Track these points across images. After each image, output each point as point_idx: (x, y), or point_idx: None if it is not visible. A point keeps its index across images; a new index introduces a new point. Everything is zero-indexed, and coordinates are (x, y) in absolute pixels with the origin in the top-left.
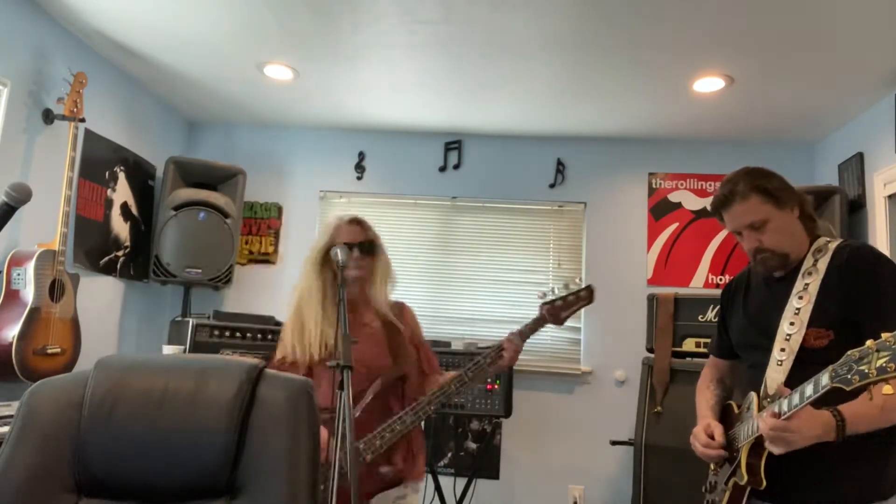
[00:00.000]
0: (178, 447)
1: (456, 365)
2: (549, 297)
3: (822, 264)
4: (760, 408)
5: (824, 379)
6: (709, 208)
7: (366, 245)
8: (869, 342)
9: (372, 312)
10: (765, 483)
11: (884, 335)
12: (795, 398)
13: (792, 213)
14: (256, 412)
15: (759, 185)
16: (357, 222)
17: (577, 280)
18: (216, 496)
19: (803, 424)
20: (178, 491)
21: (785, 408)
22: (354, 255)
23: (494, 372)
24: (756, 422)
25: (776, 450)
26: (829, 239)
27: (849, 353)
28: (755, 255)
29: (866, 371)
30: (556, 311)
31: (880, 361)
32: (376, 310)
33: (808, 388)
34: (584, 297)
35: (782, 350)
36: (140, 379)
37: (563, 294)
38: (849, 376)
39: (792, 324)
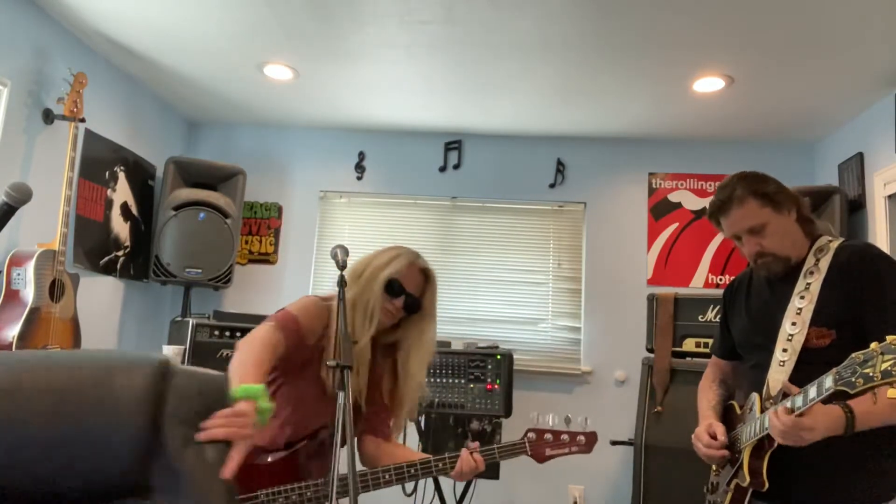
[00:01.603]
0: (84, 447)
1: (455, 365)
2: (541, 427)
3: (824, 264)
4: (763, 409)
5: (828, 382)
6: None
7: (411, 300)
8: (873, 345)
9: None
10: (767, 484)
11: (888, 338)
12: (799, 401)
13: (790, 215)
14: (168, 408)
15: (756, 190)
16: (426, 275)
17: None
18: (125, 496)
19: (818, 420)
20: (85, 493)
21: (799, 403)
22: (397, 303)
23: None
24: (759, 422)
25: (787, 443)
26: (830, 238)
27: (853, 355)
28: (756, 260)
29: (871, 374)
30: (541, 447)
31: (885, 365)
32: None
33: (812, 391)
34: (580, 444)
35: (784, 350)
36: (39, 375)
37: (560, 430)
38: (853, 379)
39: (794, 324)
